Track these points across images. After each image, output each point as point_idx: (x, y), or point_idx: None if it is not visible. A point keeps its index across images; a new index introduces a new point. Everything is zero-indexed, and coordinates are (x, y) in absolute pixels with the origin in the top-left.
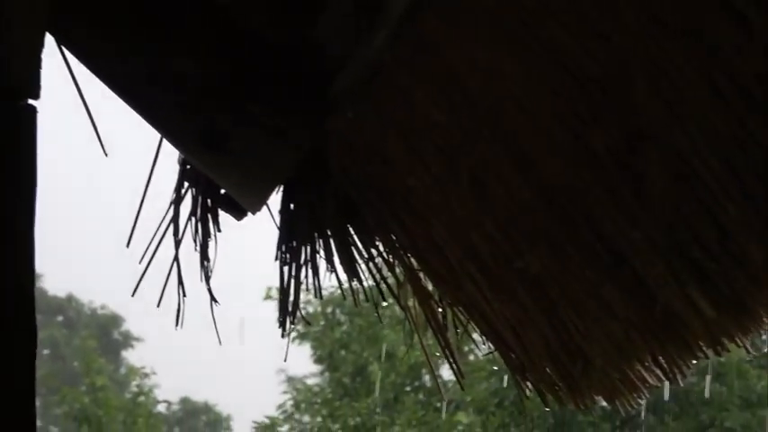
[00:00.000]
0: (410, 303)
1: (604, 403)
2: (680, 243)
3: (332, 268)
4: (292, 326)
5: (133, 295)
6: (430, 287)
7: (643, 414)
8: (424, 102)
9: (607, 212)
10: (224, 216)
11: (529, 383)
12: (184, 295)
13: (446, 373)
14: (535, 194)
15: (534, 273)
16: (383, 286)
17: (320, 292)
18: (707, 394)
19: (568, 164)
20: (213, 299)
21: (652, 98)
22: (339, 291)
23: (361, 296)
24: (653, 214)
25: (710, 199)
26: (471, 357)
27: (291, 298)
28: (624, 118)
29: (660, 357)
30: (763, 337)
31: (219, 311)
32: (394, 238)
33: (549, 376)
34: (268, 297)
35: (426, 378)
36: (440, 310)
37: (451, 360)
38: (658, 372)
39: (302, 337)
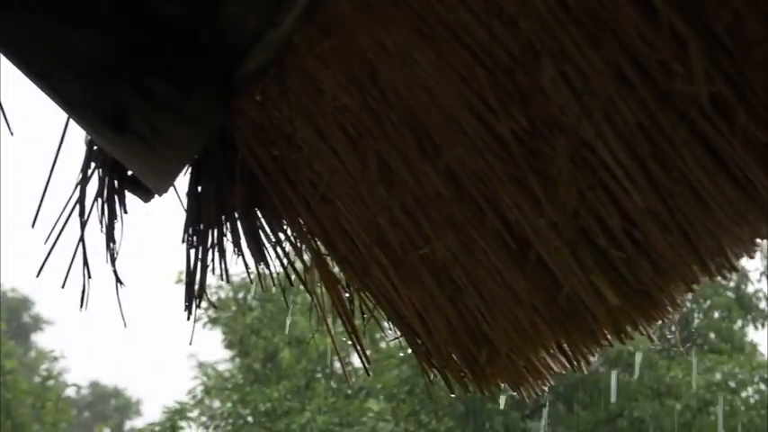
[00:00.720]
0: (317, 289)
1: (510, 390)
2: (585, 230)
3: (239, 252)
4: (203, 311)
5: (37, 277)
6: (337, 272)
7: (547, 402)
8: (332, 85)
9: (513, 199)
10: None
11: (435, 370)
12: (89, 277)
13: (357, 359)
14: (442, 180)
15: (441, 259)
16: (290, 271)
17: (227, 277)
18: (613, 385)
19: (476, 150)
20: (119, 281)
21: (559, 85)
22: (260, 278)
23: (269, 281)
24: (558, 201)
25: (616, 186)
26: (383, 345)
27: (198, 282)
28: (531, 104)
29: (565, 344)
30: (672, 327)
31: (133, 296)
32: (302, 222)
33: (454, 362)
34: (179, 281)
35: (338, 365)
36: (347, 295)
37: (358, 346)
38: (563, 359)
39: (213, 322)
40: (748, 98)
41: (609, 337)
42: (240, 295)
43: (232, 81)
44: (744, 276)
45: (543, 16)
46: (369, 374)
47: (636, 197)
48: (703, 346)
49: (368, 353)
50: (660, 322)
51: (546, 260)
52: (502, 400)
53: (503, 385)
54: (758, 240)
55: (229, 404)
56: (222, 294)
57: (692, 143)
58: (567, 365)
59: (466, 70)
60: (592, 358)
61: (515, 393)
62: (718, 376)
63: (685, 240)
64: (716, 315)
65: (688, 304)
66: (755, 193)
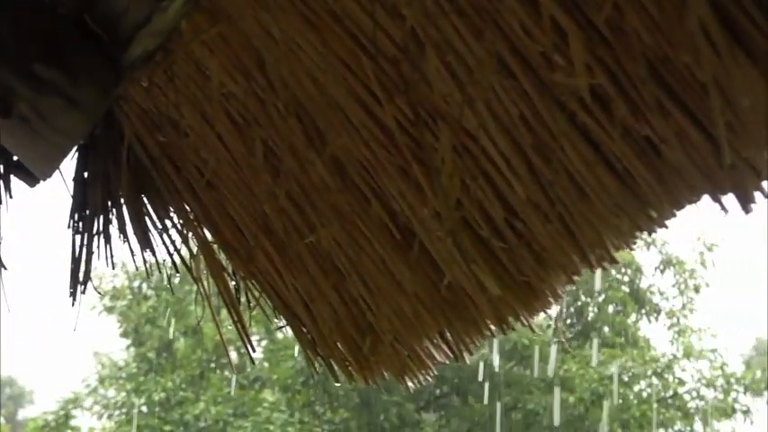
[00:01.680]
0: (203, 276)
1: (394, 379)
2: (467, 220)
3: (125, 239)
4: (98, 299)
5: None
6: (224, 260)
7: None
8: (219, 72)
9: (398, 189)
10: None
11: (320, 358)
12: None
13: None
14: (328, 169)
15: (326, 247)
16: (177, 258)
17: (113, 263)
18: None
19: (361, 139)
20: (2, 266)
21: (442, 75)
22: (146, 265)
23: (156, 269)
24: (442, 191)
25: (498, 177)
26: (280, 336)
27: (83, 268)
28: (415, 94)
29: (448, 334)
30: (568, 321)
31: (30, 284)
32: (188, 209)
33: (339, 351)
34: None
35: (234, 355)
36: (233, 283)
37: (243, 335)
38: (446, 348)
39: (109, 311)
40: (627, 91)
41: (491, 327)
42: (136, 284)
43: (119, 67)
44: (638, 271)
45: (426, 6)
46: (253, 363)
47: (517, 188)
48: (597, 340)
49: (264, 343)
50: (541, 313)
51: (429, 250)
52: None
53: (386, 374)
54: (637, 232)
55: (123, 393)
56: (118, 283)
57: (573, 135)
58: (450, 355)
59: (351, 59)
60: (474, 348)
61: (399, 382)
62: (611, 369)
63: (566, 231)
64: (610, 309)
65: (583, 298)
66: (634, 185)
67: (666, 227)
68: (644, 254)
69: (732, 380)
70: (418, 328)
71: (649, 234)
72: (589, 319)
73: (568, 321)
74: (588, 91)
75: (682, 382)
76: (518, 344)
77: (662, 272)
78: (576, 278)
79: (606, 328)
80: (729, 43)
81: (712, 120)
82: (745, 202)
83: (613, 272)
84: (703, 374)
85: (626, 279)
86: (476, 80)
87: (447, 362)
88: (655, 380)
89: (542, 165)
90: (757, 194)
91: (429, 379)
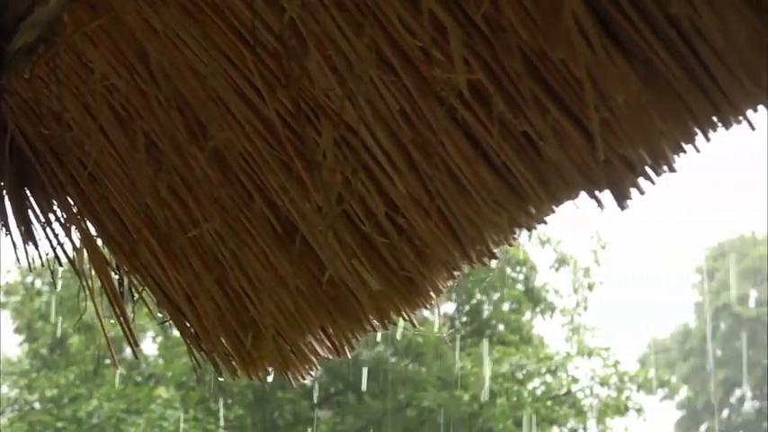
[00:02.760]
0: (87, 270)
1: (278, 375)
2: (349, 215)
3: (7, 231)
4: None
5: None
6: (107, 254)
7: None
8: (101, 65)
9: (280, 183)
10: None
11: (203, 353)
12: None
13: (148, 346)
14: (210, 163)
15: (208, 241)
16: (60, 252)
17: None
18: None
19: (243, 133)
20: None
21: (323, 69)
22: (28, 260)
23: (38, 261)
24: (323, 185)
25: (379, 172)
26: (176, 332)
27: None
28: (297, 88)
29: (330, 329)
30: (463, 319)
31: None
32: (71, 202)
33: (222, 346)
34: None
35: (128, 351)
36: (116, 277)
37: (126, 329)
38: (329, 344)
39: (2, 306)
40: (505, 87)
41: (373, 322)
42: (29, 279)
43: (1, 59)
44: (533, 269)
45: (308, 2)
46: (136, 357)
47: (398, 183)
48: (492, 338)
49: (158, 340)
50: (423, 308)
51: (312, 245)
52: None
53: (270, 369)
54: (516, 228)
55: (16, 390)
56: (11, 278)
57: (452, 130)
58: (333, 350)
59: (233, 52)
60: (356, 343)
61: (283, 377)
62: (506, 367)
63: (447, 227)
64: (505, 307)
65: (478, 296)
66: (513, 181)
67: (545, 223)
68: (539, 252)
69: (625, 378)
70: (301, 323)
71: (528, 230)
72: (484, 317)
73: (464, 319)
74: (467, 87)
75: (575, 380)
76: (413, 341)
77: (556, 270)
78: (456, 274)
79: (501, 326)
80: (604, 39)
81: (588, 116)
82: (621, 199)
83: (509, 270)
84: (597, 372)
85: (521, 277)
86: (356, 74)
87: (330, 357)
88: (549, 377)
89: (422, 160)
90: (634, 191)
91: (312, 374)
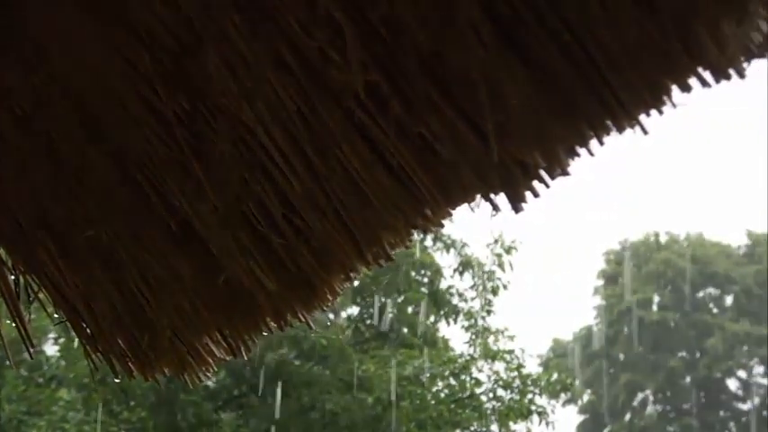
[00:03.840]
0: None
1: (175, 376)
2: (246, 215)
3: None
4: None
5: None
6: (3, 254)
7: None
8: None
9: (178, 183)
10: None
11: (99, 354)
12: None
13: (51, 348)
14: (108, 163)
15: (106, 242)
16: None
17: None
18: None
19: (141, 133)
20: None
21: (221, 70)
22: None
23: None
24: (220, 186)
25: (277, 173)
26: None
27: None
28: (195, 88)
29: (227, 331)
30: (368, 321)
31: None
32: None
33: (119, 347)
34: None
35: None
36: (12, 277)
37: (23, 331)
38: (225, 345)
39: None
40: (402, 88)
41: (269, 323)
42: None
43: None
44: (437, 272)
45: (205, 1)
46: (31, 357)
47: (295, 184)
48: (396, 341)
49: (61, 341)
50: (320, 310)
51: (208, 245)
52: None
53: (166, 370)
54: (413, 231)
55: None
56: None
57: (349, 131)
58: (230, 352)
59: (130, 51)
60: (252, 344)
61: (179, 379)
62: (409, 370)
63: (343, 229)
64: (409, 310)
65: (382, 298)
66: (410, 183)
67: (442, 225)
68: (443, 255)
69: (528, 381)
70: (197, 325)
71: (425, 233)
72: (388, 319)
73: (368, 322)
74: (364, 88)
75: (479, 383)
76: (318, 344)
77: (461, 273)
78: (353, 275)
79: (405, 329)
80: (499, 43)
81: (483, 118)
82: (516, 202)
83: (413, 273)
84: (500, 375)
85: (425, 280)
86: (253, 74)
87: (227, 358)
88: (452, 380)
89: (319, 162)
90: (529, 194)
91: (209, 376)
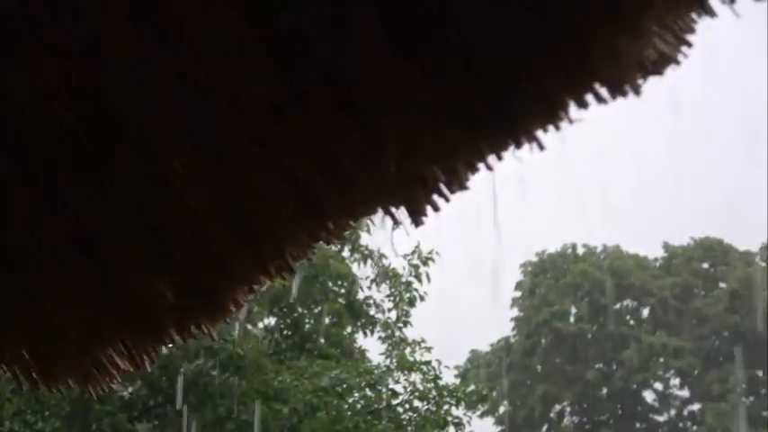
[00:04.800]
0: None
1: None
2: (152, 228)
3: None
4: None
5: None
6: None
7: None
8: None
9: (83, 192)
10: None
11: (3, 365)
12: None
13: None
14: (12, 168)
15: (11, 251)
16: None
17: None
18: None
19: (45, 140)
20: None
21: (126, 80)
22: None
23: None
24: (124, 196)
25: (179, 184)
26: None
27: None
28: (99, 98)
29: (130, 343)
30: (285, 332)
31: None
32: None
33: (23, 358)
34: None
35: None
36: None
37: None
38: (129, 357)
39: None
40: (303, 100)
41: (173, 335)
42: None
43: None
44: (354, 283)
45: (110, 11)
46: None
47: (198, 196)
48: (313, 352)
49: None
50: (223, 321)
51: (112, 256)
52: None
53: (70, 382)
54: (314, 243)
55: None
56: None
57: (252, 144)
58: (133, 363)
59: (32, 57)
60: (156, 356)
61: (83, 390)
62: (325, 381)
63: (246, 241)
64: (326, 321)
65: (299, 309)
66: (312, 196)
67: (344, 238)
68: (361, 266)
69: (445, 393)
70: (101, 336)
71: (327, 244)
72: (305, 330)
73: (285, 333)
74: (266, 100)
75: (395, 394)
76: (234, 354)
77: (378, 285)
78: (256, 288)
79: (322, 340)
80: (400, 57)
81: (384, 132)
82: (416, 216)
83: (330, 284)
84: (416, 387)
85: (342, 291)
86: (158, 85)
87: (131, 369)
88: (368, 391)
89: (223, 174)
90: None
91: (114, 387)
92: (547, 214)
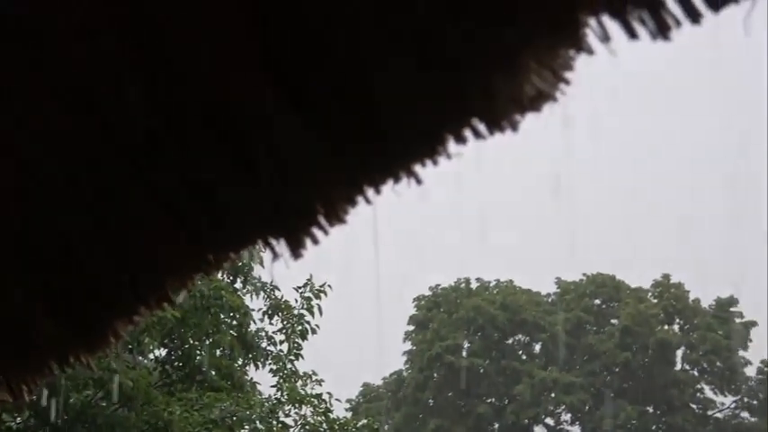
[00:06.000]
0: None
1: None
2: (28, 256)
3: None
4: None
5: None
6: None
7: None
8: None
9: None
10: None
11: None
12: None
13: None
14: None
15: None
16: None
17: None
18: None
19: None
20: None
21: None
22: None
23: None
24: (1, 223)
25: (58, 213)
26: None
27: None
28: None
29: (8, 373)
30: (176, 363)
31: None
32: None
33: None
34: None
35: None
36: None
37: None
38: (8, 388)
39: None
40: (182, 133)
41: (52, 366)
42: None
43: None
44: (247, 315)
45: None
46: None
47: (76, 226)
48: (204, 384)
49: None
50: (103, 353)
51: None
52: None
53: None
54: (194, 275)
55: None
56: None
57: (131, 175)
58: (11, 394)
59: None
60: (35, 387)
61: None
62: (215, 413)
63: (126, 272)
64: (218, 353)
65: (190, 340)
66: (191, 227)
67: (224, 269)
68: (253, 298)
69: (336, 426)
70: None
71: (207, 275)
72: (196, 362)
73: (176, 364)
74: (145, 132)
75: (286, 427)
76: (124, 386)
77: (270, 317)
78: (136, 319)
79: (213, 372)
80: (277, 91)
81: (260, 165)
82: (296, 248)
83: (222, 315)
84: (307, 420)
85: (234, 323)
86: (35, 113)
87: (10, 401)
88: (259, 424)
89: (100, 204)
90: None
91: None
92: (442, 248)
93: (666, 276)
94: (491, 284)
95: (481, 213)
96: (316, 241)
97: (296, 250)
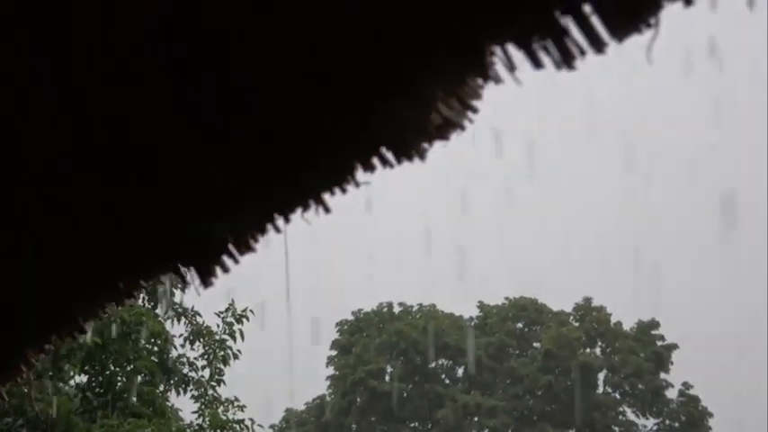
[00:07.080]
0: None
1: None
2: None
3: None
4: None
5: None
6: None
7: None
8: None
9: None
10: None
11: None
12: None
13: None
14: None
15: None
16: None
17: None
18: None
19: None
20: None
21: None
22: None
23: None
24: None
25: None
26: None
27: None
28: None
29: None
30: (97, 390)
31: None
32: None
33: None
34: None
35: None
36: None
37: None
38: None
39: None
40: (93, 160)
41: None
42: None
43: None
44: (167, 341)
45: None
46: None
47: None
48: (125, 410)
49: None
50: (14, 381)
51: None
52: None
53: None
54: (106, 304)
55: None
56: None
57: (40, 203)
58: None
59: None
60: None
61: None
62: None
63: (33, 299)
64: (139, 379)
65: (111, 367)
66: (100, 254)
67: (135, 297)
68: (174, 324)
69: None
70: None
71: (119, 304)
72: (117, 388)
73: (97, 390)
74: (53, 158)
75: None
76: (43, 413)
77: (191, 342)
78: (47, 347)
79: (134, 398)
80: (188, 122)
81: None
82: (205, 276)
83: (143, 341)
84: None
85: (155, 349)
86: None
87: None
88: None
89: (9, 234)
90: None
91: None
92: (363, 273)
93: (588, 300)
94: (413, 309)
95: (403, 237)
96: (226, 269)
97: (206, 278)
